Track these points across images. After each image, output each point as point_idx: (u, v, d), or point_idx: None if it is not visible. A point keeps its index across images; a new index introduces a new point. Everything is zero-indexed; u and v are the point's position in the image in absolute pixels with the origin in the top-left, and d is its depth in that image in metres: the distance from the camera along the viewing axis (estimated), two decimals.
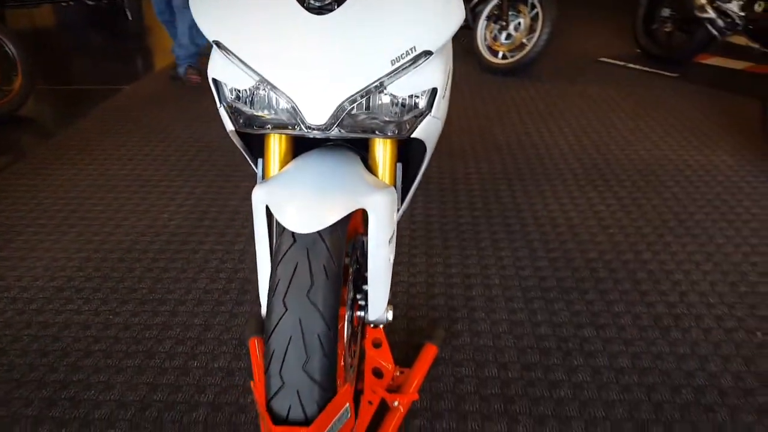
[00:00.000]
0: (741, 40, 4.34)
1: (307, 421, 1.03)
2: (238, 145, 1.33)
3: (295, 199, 1.08)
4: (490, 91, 4.07)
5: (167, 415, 1.52)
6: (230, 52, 1.05)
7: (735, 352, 1.72)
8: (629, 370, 1.66)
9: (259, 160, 1.33)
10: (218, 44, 1.06)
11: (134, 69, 4.96)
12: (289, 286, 1.04)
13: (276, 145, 1.23)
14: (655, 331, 1.81)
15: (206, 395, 1.58)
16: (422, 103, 1.11)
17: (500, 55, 4.30)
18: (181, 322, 1.85)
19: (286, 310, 1.03)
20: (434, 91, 1.11)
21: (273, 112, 1.07)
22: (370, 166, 1.26)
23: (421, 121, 1.12)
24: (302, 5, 1.03)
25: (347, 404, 1.10)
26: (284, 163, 1.28)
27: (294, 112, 1.02)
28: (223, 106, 1.13)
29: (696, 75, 4.37)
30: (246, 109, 1.09)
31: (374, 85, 1.02)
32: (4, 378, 1.64)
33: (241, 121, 1.11)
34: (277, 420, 1.03)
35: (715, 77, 4.32)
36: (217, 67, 1.11)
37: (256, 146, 1.34)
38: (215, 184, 2.76)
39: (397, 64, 1.02)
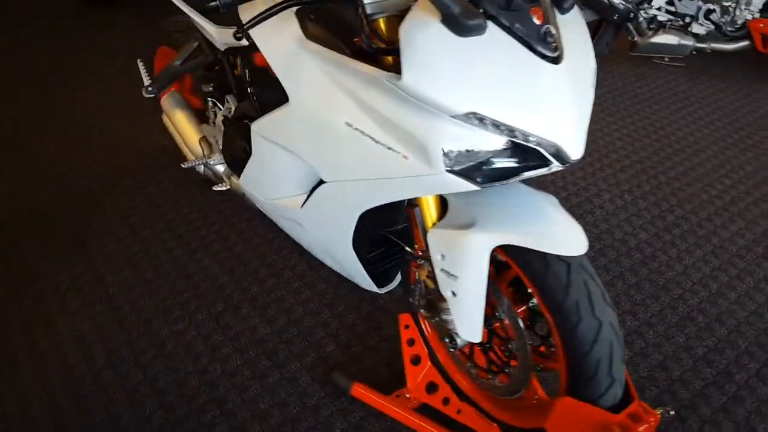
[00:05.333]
0: None
1: (627, 401, 1.21)
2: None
3: (548, 231, 1.16)
4: None
5: None
6: (488, 118, 1.03)
7: None
8: None
9: (416, 210, 1.30)
10: (473, 114, 1.03)
11: None
12: (591, 302, 1.15)
13: None
14: None
15: None
16: None
17: None
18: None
19: (600, 321, 1.15)
20: None
21: (523, 160, 1.10)
22: None
23: None
24: (534, 53, 1.06)
25: None
26: (438, 204, 1.29)
27: (554, 154, 1.08)
28: (454, 172, 1.09)
29: None
30: (494, 165, 1.09)
31: None
32: None
33: (479, 179, 1.10)
34: (614, 410, 1.18)
35: None
36: (451, 138, 1.06)
37: None
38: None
39: (593, 88, 1.17)
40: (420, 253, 1.45)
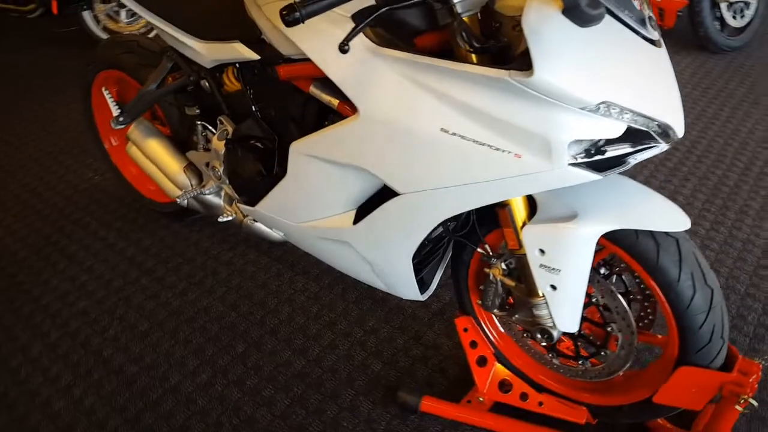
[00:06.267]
0: None
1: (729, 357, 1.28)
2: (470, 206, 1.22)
3: (651, 210, 1.19)
4: None
5: None
6: (619, 106, 1.04)
7: None
8: None
9: (506, 208, 1.27)
10: (605, 104, 1.02)
11: None
12: (703, 272, 1.20)
13: None
14: None
15: None
16: None
17: None
18: None
19: (712, 289, 1.20)
20: None
21: (636, 144, 1.11)
22: None
23: None
24: (642, 38, 1.08)
25: None
26: (525, 201, 1.27)
27: (662, 135, 1.11)
28: (576, 164, 1.07)
29: None
30: (613, 153, 1.09)
31: None
32: None
33: (599, 168, 1.09)
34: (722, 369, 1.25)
35: None
36: (576, 130, 1.04)
37: None
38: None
39: None
40: (491, 253, 1.42)
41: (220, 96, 1.71)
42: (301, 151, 1.41)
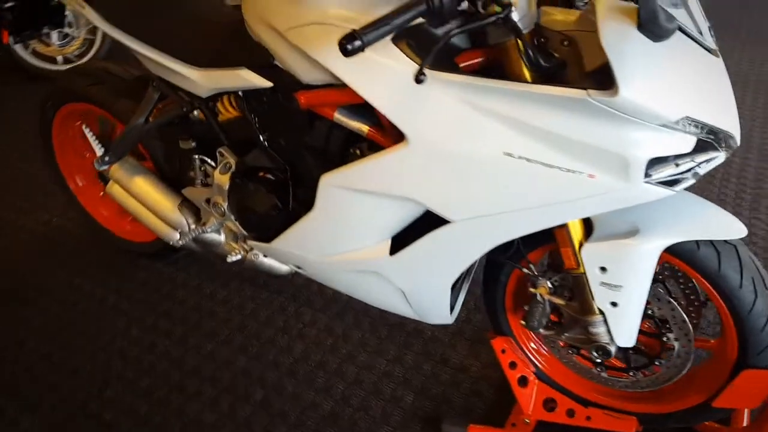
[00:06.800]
0: None
1: None
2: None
3: (708, 220, 1.19)
4: None
5: None
6: (697, 121, 1.02)
7: None
8: None
9: (565, 228, 1.23)
10: (686, 119, 1.00)
11: None
12: (762, 276, 1.20)
13: None
14: None
15: None
16: None
17: (60, 60, 3.45)
18: None
19: None
20: None
21: (701, 156, 1.09)
22: None
23: None
24: (704, 49, 1.06)
25: None
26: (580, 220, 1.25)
27: (723, 144, 1.10)
28: (653, 182, 1.05)
29: None
30: (684, 167, 1.07)
31: None
32: None
33: (671, 184, 1.07)
34: None
35: None
36: (653, 147, 1.01)
37: None
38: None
39: None
40: (536, 272, 1.38)
41: (218, 126, 1.58)
42: (333, 183, 1.31)
